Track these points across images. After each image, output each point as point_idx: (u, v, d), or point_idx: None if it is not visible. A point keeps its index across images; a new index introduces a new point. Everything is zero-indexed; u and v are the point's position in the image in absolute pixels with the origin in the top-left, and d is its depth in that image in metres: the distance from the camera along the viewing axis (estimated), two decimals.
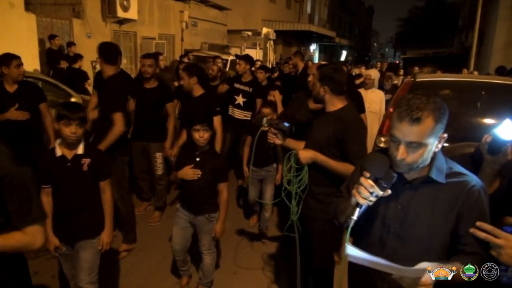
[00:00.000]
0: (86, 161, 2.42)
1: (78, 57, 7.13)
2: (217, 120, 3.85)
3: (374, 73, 5.95)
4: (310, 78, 3.36)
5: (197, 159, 2.89)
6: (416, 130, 1.33)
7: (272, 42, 16.14)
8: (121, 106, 3.38)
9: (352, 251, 1.34)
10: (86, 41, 9.74)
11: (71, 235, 2.49)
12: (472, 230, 1.38)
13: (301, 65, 6.26)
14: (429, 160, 1.43)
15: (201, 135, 2.83)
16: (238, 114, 5.26)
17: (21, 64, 3.71)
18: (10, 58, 3.66)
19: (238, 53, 14.30)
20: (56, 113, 2.40)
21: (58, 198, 2.45)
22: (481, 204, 1.43)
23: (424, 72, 9.02)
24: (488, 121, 3.87)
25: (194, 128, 2.83)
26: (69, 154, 2.41)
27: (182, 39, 14.11)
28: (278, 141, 2.58)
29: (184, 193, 3.04)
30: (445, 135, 1.41)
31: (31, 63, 7.67)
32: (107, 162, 2.64)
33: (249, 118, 5.27)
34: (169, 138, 4.32)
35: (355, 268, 1.52)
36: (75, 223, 2.46)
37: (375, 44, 78.00)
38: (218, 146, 3.88)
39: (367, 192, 1.37)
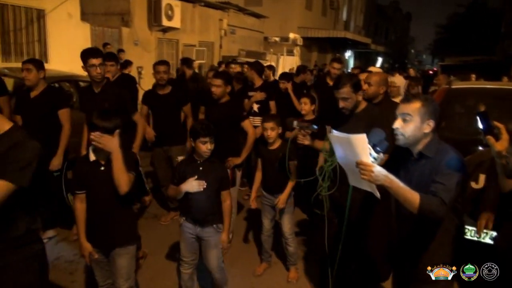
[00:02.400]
0: None
1: (128, 63, 7.59)
2: (246, 124, 3.91)
3: (399, 80, 5.57)
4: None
5: (200, 168, 2.76)
6: (406, 106, 1.99)
7: (299, 48, 16.09)
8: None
9: (335, 132, 2.13)
10: (134, 48, 10.38)
11: (106, 242, 2.49)
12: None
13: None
14: (417, 136, 1.98)
15: (208, 147, 2.72)
16: (256, 121, 5.17)
17: (24, 69, 3.59)
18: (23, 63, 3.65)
19: (274, 61, 14.57)
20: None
21: (92, 203, 2.46)
22: (444, 164, 1.91)
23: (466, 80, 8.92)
24: None
25: (201, 139, 2.70)
26: (103, 159, 2.41)
27: (220, 46, 14.63)
28: (307, 142, 2.87)
29: (188, 205, 2.81)
30: (432, 122, 1.95)
31: None
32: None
33: None
34: (189, 139, 4.39)
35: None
36: (109, 229, 2.46)
37: (412, 51, 76.27)
38: (246, 152, 3.89)
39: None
